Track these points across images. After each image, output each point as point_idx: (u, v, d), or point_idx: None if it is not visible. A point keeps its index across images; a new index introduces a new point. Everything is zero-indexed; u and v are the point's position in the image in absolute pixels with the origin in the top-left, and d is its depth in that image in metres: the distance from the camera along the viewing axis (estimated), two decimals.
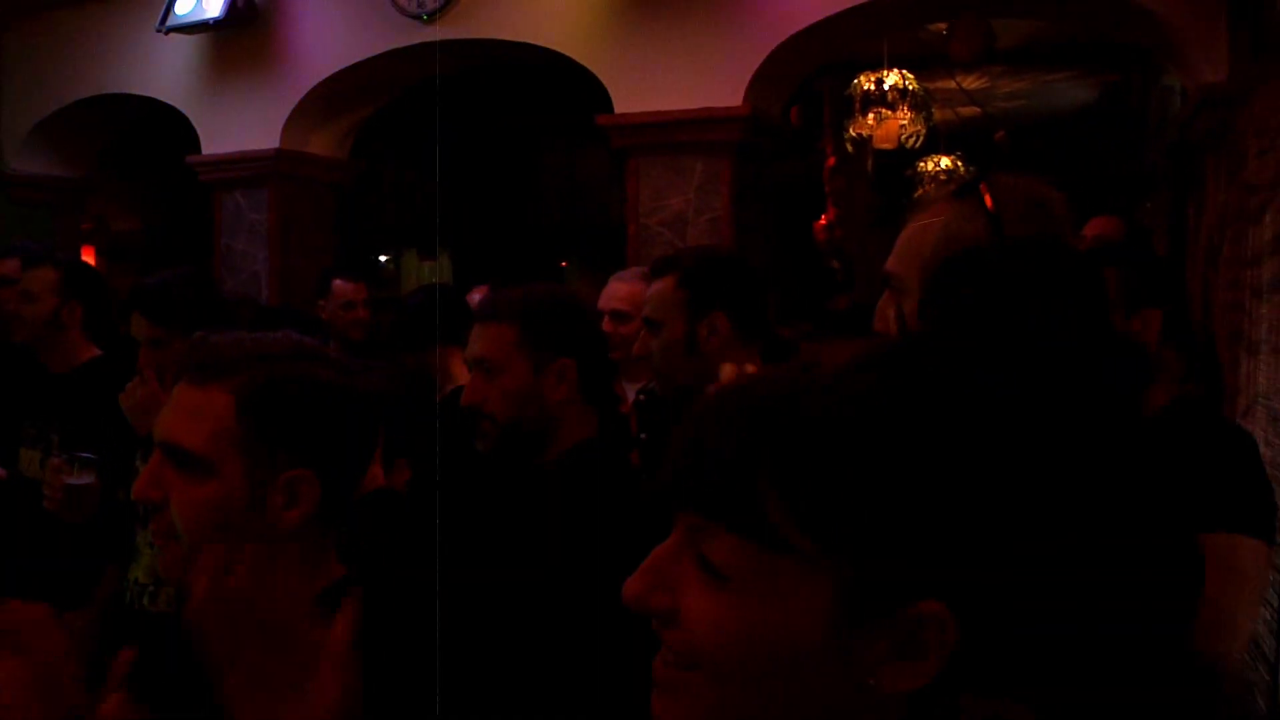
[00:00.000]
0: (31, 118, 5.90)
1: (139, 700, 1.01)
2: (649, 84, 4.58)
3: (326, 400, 1.08)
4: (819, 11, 4.34)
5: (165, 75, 5.55)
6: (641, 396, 2.81)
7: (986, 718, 0.60)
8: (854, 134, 6.84)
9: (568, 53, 4.73)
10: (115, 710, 0.95)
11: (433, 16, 4.88)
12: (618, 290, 2.95)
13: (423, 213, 9.61)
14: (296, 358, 1.10)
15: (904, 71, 6.68)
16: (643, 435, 2.61)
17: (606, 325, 2.92)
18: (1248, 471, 1.67)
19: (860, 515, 0.56)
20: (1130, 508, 0.98)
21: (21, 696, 0.87)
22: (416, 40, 4.96)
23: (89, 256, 7.73)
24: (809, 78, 5.42)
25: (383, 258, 10.57)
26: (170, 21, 5.22)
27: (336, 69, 5.20)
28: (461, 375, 2.41)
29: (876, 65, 6.68)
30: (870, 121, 6.69)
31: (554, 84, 5.51)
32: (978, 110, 8.62)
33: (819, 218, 8.20)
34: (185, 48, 5.46)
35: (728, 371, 1.69)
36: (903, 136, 6.77)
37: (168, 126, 5.68)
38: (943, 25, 6.37)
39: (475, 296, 3.65)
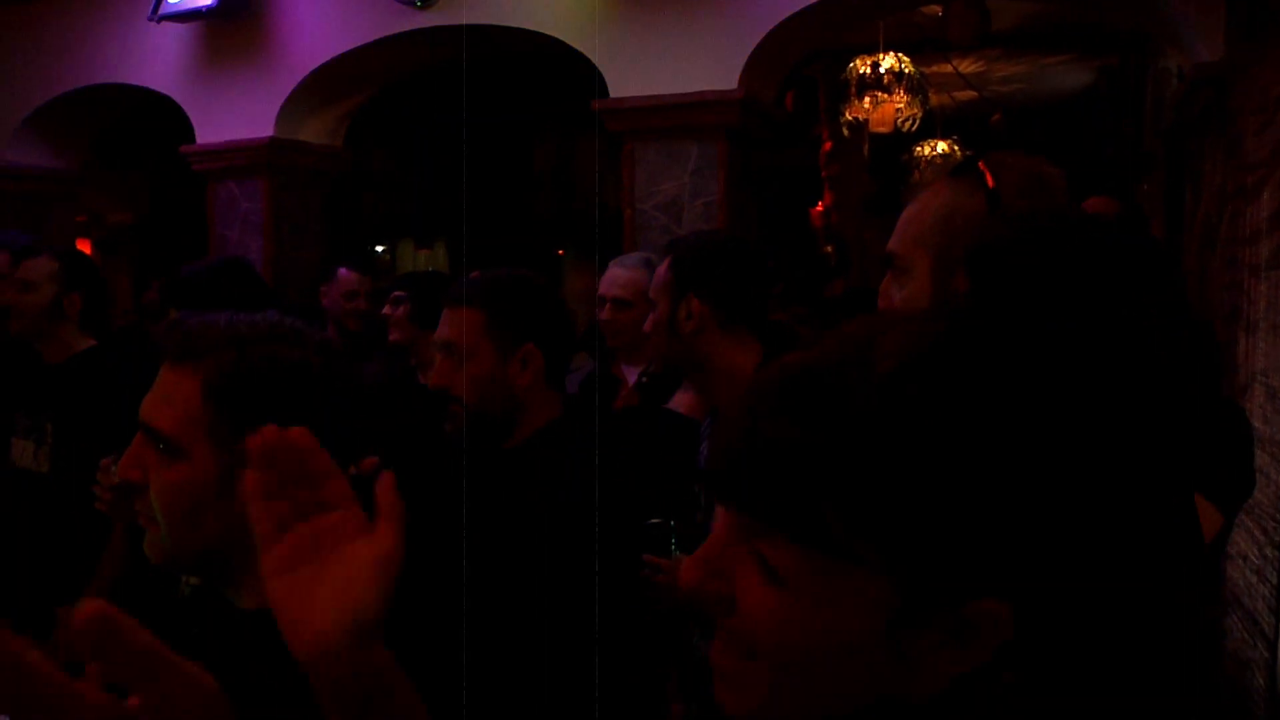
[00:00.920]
0: (23, 108, 5.86)
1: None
2: (643, 68, 4.57)
3: (294, 384, 1.07)
4: None
5: (157, 64, 5.52)
6: (644, 379, 2.81)
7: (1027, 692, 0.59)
8: (850, 118, 6.81)
9: (562, 37, 4.71)
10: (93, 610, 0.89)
11: (426, 2, 4.85)
12: (618, 277, 2.90)
13: (417, 202, 9.60)
14: (268, 340, 1.08)
15: (900, 54, 6.65)
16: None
17: (607, 312, 2.90)
18: (1229, 443, 1.67)
19: (926, 524, 0.55)
20: (1180, 493, 0.94)
21: None
22: (410, 27, 4.94)
23: (84, 249, 7.71)
24: (804, 63, 5.40)
25: (379, 248, 10.57)
26: (162, 10, 5.20)
27: (330, 57, 5.17)
28: None
29: (872, 49, 6.65)
30: (866, 105, 6.66)
31: (548, 73, 5.49)
32: (974, 94, 8.59)
33: (815, 203, 8.20)
34: (177, 36, 5.43)
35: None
36: (899, 120, 6.74)
37: (160, 117, 5.65)
38: (938, 8, 6.35)
39: None
